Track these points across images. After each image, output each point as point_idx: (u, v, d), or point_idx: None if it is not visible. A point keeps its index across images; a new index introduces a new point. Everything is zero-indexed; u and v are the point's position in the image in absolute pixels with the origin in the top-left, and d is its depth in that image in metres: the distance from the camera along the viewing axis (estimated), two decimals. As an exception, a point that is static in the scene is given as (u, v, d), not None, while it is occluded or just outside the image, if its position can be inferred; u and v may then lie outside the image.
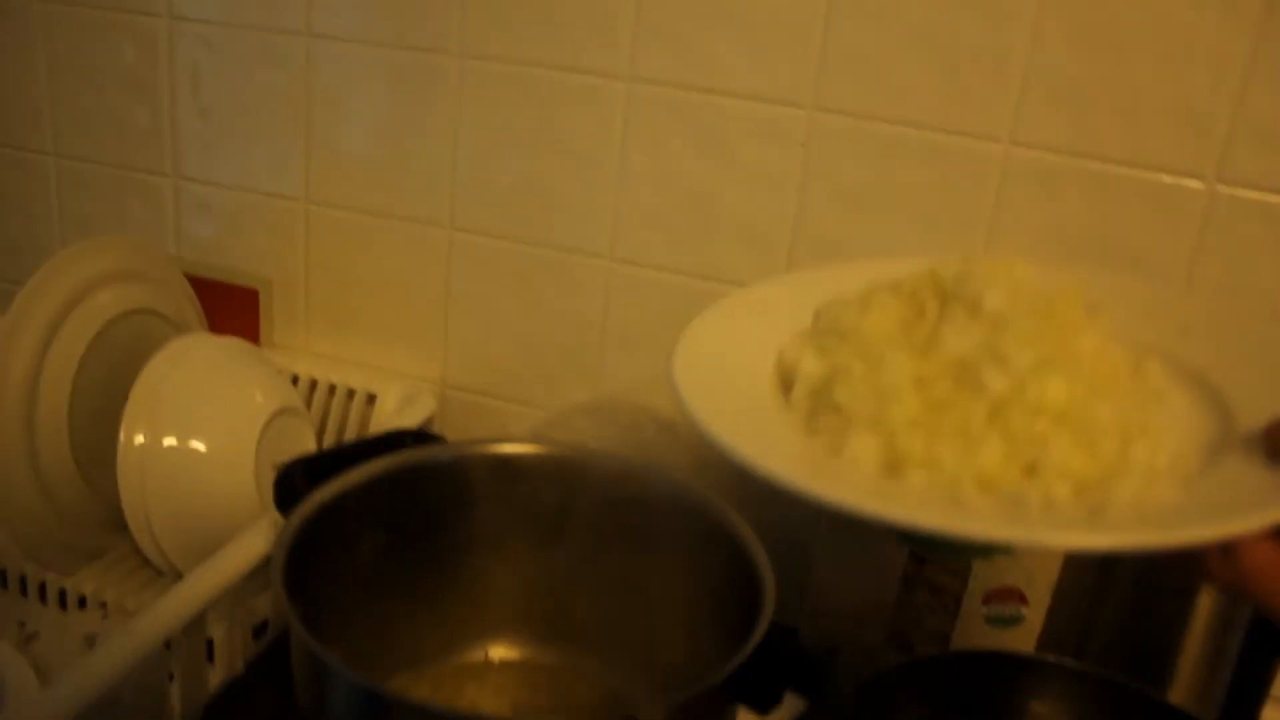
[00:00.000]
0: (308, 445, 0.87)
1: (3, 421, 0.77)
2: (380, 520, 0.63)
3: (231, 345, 0.86)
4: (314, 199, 0.96)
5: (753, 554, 0.58)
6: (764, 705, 0.50)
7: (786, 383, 0.48)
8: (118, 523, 0.82)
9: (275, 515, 0.72)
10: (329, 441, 0.95)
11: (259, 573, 0.71)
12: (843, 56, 0.80)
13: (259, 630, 0.78)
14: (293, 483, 0.59)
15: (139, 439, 0.78)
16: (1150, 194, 0.76)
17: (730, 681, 0.48)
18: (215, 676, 0.74)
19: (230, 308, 0.99)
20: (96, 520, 0.84)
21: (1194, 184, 0.75)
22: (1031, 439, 0.41)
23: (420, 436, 0.69)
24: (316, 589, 0.53)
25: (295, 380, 0.96)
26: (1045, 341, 0.43)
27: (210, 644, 0.72)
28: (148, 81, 0.97)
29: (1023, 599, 0.77)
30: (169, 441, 0.78)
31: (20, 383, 0.77)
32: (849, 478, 0.42)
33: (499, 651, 0.70)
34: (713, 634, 0.55)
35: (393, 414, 0.93)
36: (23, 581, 0.83)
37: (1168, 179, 0.76)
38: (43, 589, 0.83)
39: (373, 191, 0.94)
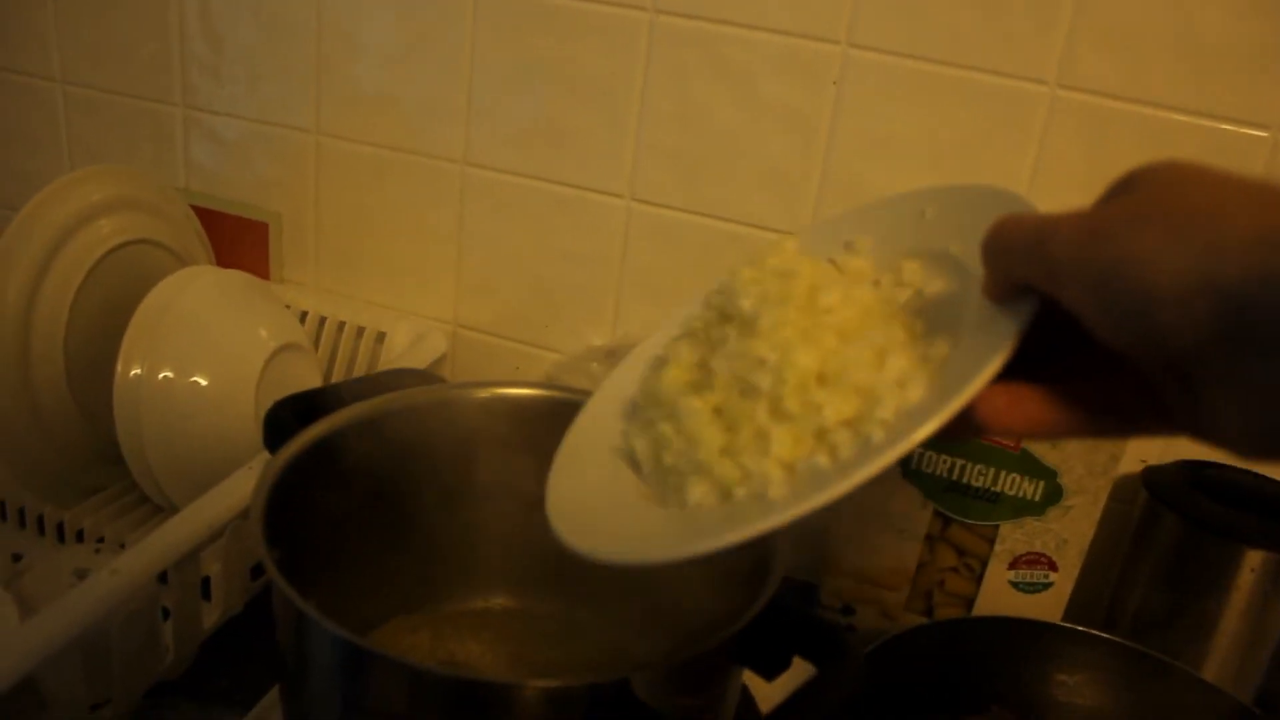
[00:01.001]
0: (313, 383, 0.85)
1: (-4, 347, 0.74)
2: (375, 462, 0.60)
3: (236, 278, 0.83)
4: (325, 131, 0.92)
5: None
6: (770, 671, 0.47)
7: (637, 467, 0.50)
8: (116, 456, 0.80)
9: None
10: (337, 380, 0.93)
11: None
12: None
13: (258, 570, 0.76)
14: (282, 421, 0.57)
15: (135, 371, 0.75)
16: (1211, 143, 0.72)
17: (733, 644, 0.45)
18: (211, 615, 0.72)
19: (239, 241, 0.97)
20: (94, 454, 0.82)
21: (1259, 133, 0.71)
22: (807, 411, 0.43)
23: (422, 376, 0.66)
24: (302, 531, 0.50)
25: (304, 317, 0.93)
26: (789, 320, 0.45)
27: (207, 582, 0.70)
28: (156, 8, 0.94)
29: (1052, 565, 0.74)
30: (166, 374, 0.76)
31: (14, 310, 0.75)
32: (697, 525, 0.44)
33: (497, 601, 0.67)
34: (721, 592, 0.52)
35: (403, 353, 0.90)
36: (21, 513, 0.82)
37: (1228, 127, 0.71)
38: (40, 521, 0.81)
39: (385, 124, 0.90)
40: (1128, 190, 0.36)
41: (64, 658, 0.55)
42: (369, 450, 0.59)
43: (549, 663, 0.63)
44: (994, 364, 0.38)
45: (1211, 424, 0.34)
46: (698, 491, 0.45)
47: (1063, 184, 0.76)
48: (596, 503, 0.48)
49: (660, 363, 0.52)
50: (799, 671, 0.47)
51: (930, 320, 0.46)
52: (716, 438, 0.45)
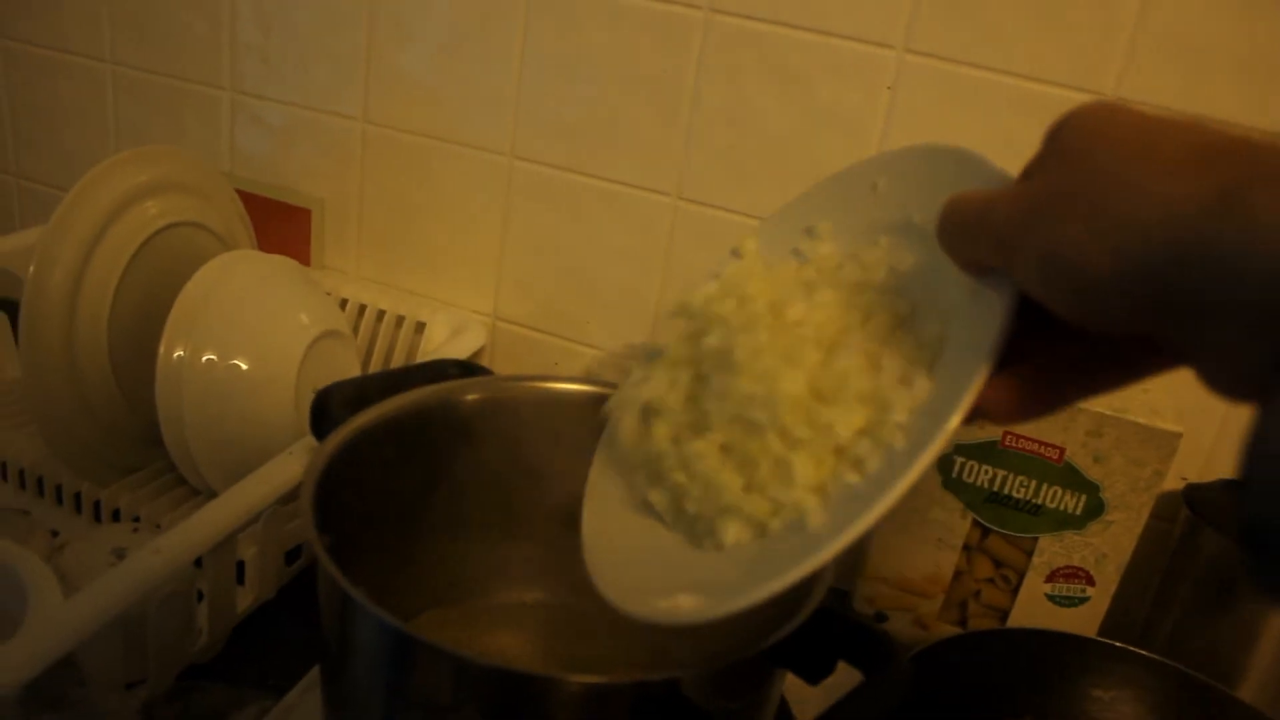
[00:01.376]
0: (352, 370, 0.85)
1: (42, 329, 0.75)
2: (417, 452, 0.60)
3: (279, 264, 0.83)
4: (372, 119, 0.92)
5: None
6: (815, 675, 0.46)
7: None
8: (155, 438, 0.81)
9: (310, 439, 0.70)
10: (375, 368, 0.93)
11: (293, 496, 0.69)
12: None
13: (292, 555, 0.76)
14: (329, 407, 0.57)
15: (178, 353, 0.75)
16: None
17: (780, 648, 0.44)
18: (245, 599, 0.72)
19: (282, 226, 0.97)
20: (134, 434, 0.82)
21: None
22: (817, 432, 0.43)
23: (466, 368, 0.66)
24: (346, 518, 0.50)
25: (344, 304, 0.94)
26: (764, 346, 0.45)
27: (241, 566, 0.70)
28: (209, -11, 0.94)
29: (1089, 580, 0.73)
30: (209, 357, 0.76)
31: (60, 290, 0.75)
32: (750, 565, 0.43)
33: (533, 595, 0.67)
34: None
35: (442, 343, 0.90)
36: (58, 490, 0.82)
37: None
38: (78, 499, 0.81)
39: (433, 114, 0.90)
40: (1054, 148, 0.37)
41: (104, 636, 0.56)
42: (413, 440, 0.59)
43: (584, 659, 0.63)
44: (994, 339, 0.38)
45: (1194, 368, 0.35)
46: (731, 532, 0.44)
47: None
48: (638, 562, 0.48)
49: (649, 412, 0.50)
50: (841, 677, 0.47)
51: (912, 296, 0.45)
52: (734, 479, 0.45)
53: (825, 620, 0.45)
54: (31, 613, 0.54)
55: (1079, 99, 0.72)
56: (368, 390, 0.58)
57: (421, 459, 0.61)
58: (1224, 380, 0.32)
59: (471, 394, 0.63)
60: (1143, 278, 0.31)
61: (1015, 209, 0.36)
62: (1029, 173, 0.39)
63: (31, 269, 0.74)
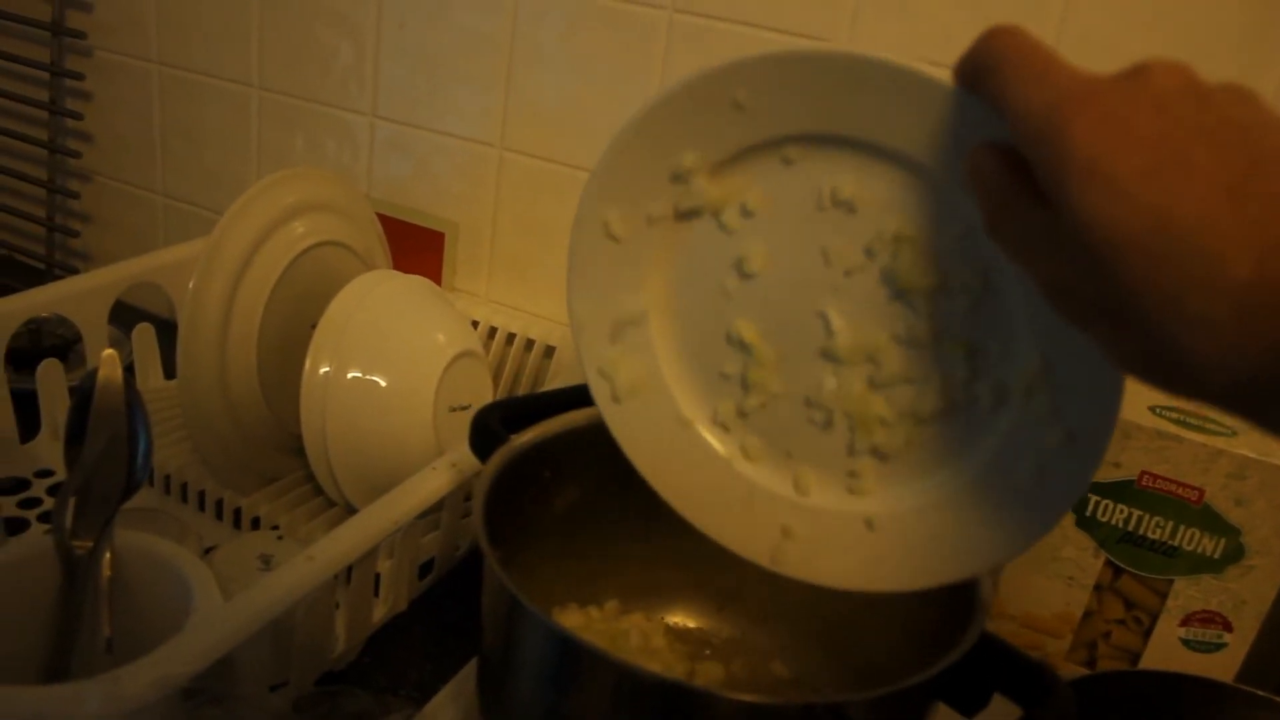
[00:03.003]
0: (485, 390, 0.87)
1: (200, 341, 0.78)
2: (573, 472, 0.61)
3: (418, 284, 0.86)
4: (509, 145, 0.95)
5: None
6: (970, 708, 0.47)
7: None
8: (294, 448, 0.83)
9: (452, 456, 0.72)
10: (504, 390, 0.95)
11: (430, 511, 0.71)
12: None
13: (424, 569, 0.78)
14: (489, 426, 0.58)
15: (324, 369, 0.78)
16: None
17: (940, 678, 0.45)
18: (378, 610, 0.74)
19: (415, 248, 1.00)
20: (274, 444, 0.85)
21: None
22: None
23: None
24: (504, 533, 0.52)
25: (475, 325, 0.96)
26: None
27: (377, 578, 0.72)
28: (356, 18, 0.98)
29: (1227, 625, 0.72)
30: (353, 374, 0.78)
31: (218, 303, 0.79)
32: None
33: (676, 617, 0.68)
34: (911, 626, 0.52)
35: (571, 367, 0.91)
36: (201, 496, 0.85)
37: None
38: (219, 506, 0.84)
39: (569, 142, 0.92)
40: (1211, 98, 0.32)
41: (258, 637, 0.58)
42: (568, 461, 0.61)
43: (725, 681, 0.63)
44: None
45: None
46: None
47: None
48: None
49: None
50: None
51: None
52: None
53: (985, 650, 0.45)
54: (197, 611, 0.56)
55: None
56: (523, 410, 0.60)
57: (575, 479, 0.62)
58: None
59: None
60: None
61: (1147, 123, 0.31)
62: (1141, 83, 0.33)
63: (191, 285, 0.77)
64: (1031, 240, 0.35)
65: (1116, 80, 0.33)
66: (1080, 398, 0.43)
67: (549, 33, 0.90)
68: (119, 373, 0.63)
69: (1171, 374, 0.32)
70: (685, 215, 0.49)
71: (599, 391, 0.52)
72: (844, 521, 0.50)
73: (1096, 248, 0.31)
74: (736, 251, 0.49)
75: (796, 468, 0.51)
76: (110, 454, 0.62)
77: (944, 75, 0.40)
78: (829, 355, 0.49)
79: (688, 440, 0.52)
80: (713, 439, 0.52)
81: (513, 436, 0.58)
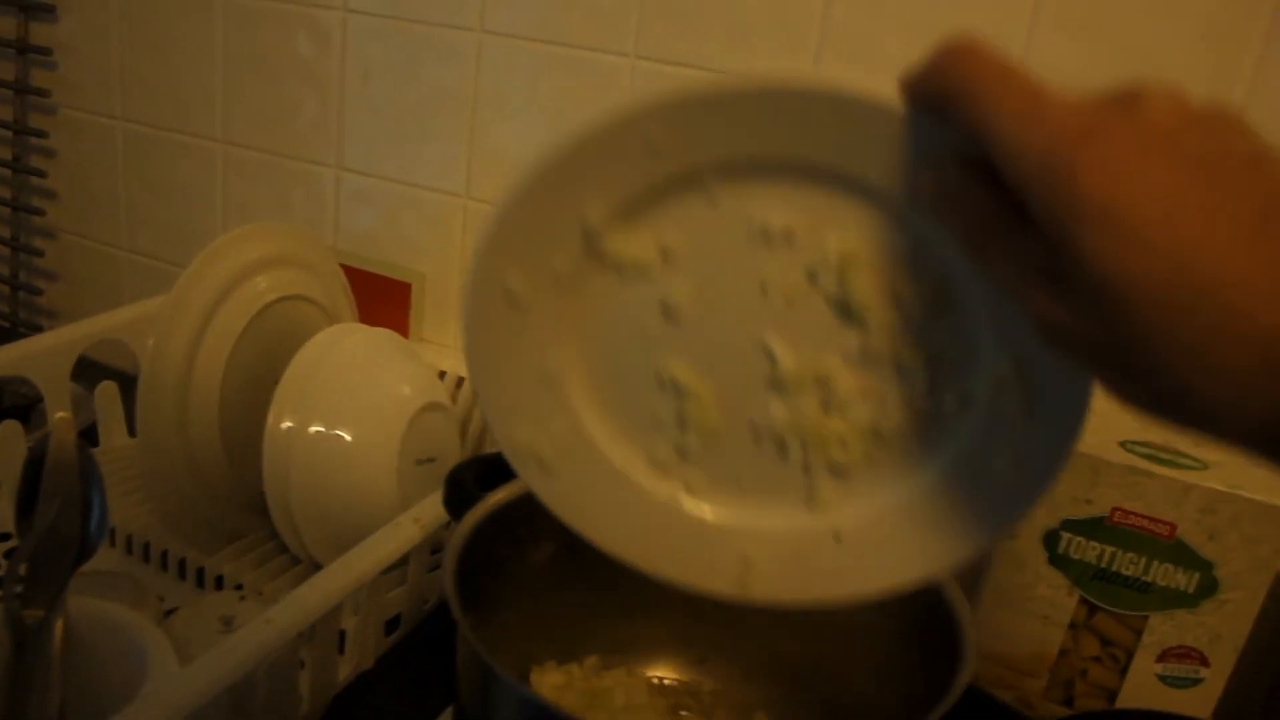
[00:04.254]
0: (452, 442, 0.86)
1: (160, 398, 0.77)
2: (549, 528, 0.60)
3: (383, 337, 0.85)
4: (474, 195, 0.95)
5: (952, 600, 0.56)
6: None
7: None
8: (258, 505, 0.82)
9: (416, 511, 0.71)
10: (471, 440, 0.94)
11: (396, 567, 0.70)
12: (841, 40, 0.78)
13: (390, 625, 0.77)
14: (463, 484, 0.58)
15: (286, 423, 0.77)
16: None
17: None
18: (345, 668, 0.73)
19: (382, 299, 0.99)
20: (238, 502, 0.84)
21: None
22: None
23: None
24: (479, 593, 0.51)
25: (442, 376, 0.95)
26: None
27: (342, 635, 0.71)
28: (320, 73, 0.98)
29: (1203, 661, 0.71)
30: (316, 428, 0.77)
31: (178, 361, 0.78)
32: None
33: (658, 671, 0.67)
34: (895, 674, 0.51)
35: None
36: (164, 556, 0.84)
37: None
38: (182, 566, 0.83)
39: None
40: (1214, 122, 0.31)
41: (216, 703, 0.56)
42: (544, 519, 0.60)
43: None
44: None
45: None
46: None
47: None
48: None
49: None
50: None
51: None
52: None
53: (972, 702, 0.45)
54: (151, 679, 0.55)
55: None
56: (499, 467, 0.59)
57: (549, 536, 0.60)
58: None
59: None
60: None
61: (1161, 159, 0.30)
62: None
63: (151, 342, 0.76)
64: (1024, 270, 0.34)
65: (1113, 113, 0.31)
66: (1053, 390, 0.41)
67: (513, 82, 0.90)
68: (72, 436, 0.62)
69: (1186, 416, 0.31)
70: (597, 268, 0.45)
71: (523, 469, 0.49)
72: (807, 539, 0.48)
73: (1111, 299, 0.30)
74: (659, 295, 0.45)
75: (748, 496, 0.49)
76: (64, 520, 0.61)
77: (881, 92, 0.38)
78: (775, 385, 0.46)
79: (628, 492, 0.49)
80: (653, 485, 0.49)
81: (487, 494, 0.57)
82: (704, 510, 0.49)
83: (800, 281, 0.44)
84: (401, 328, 0.99)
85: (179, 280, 0.77)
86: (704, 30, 0.83)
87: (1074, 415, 0.41)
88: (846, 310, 0.44)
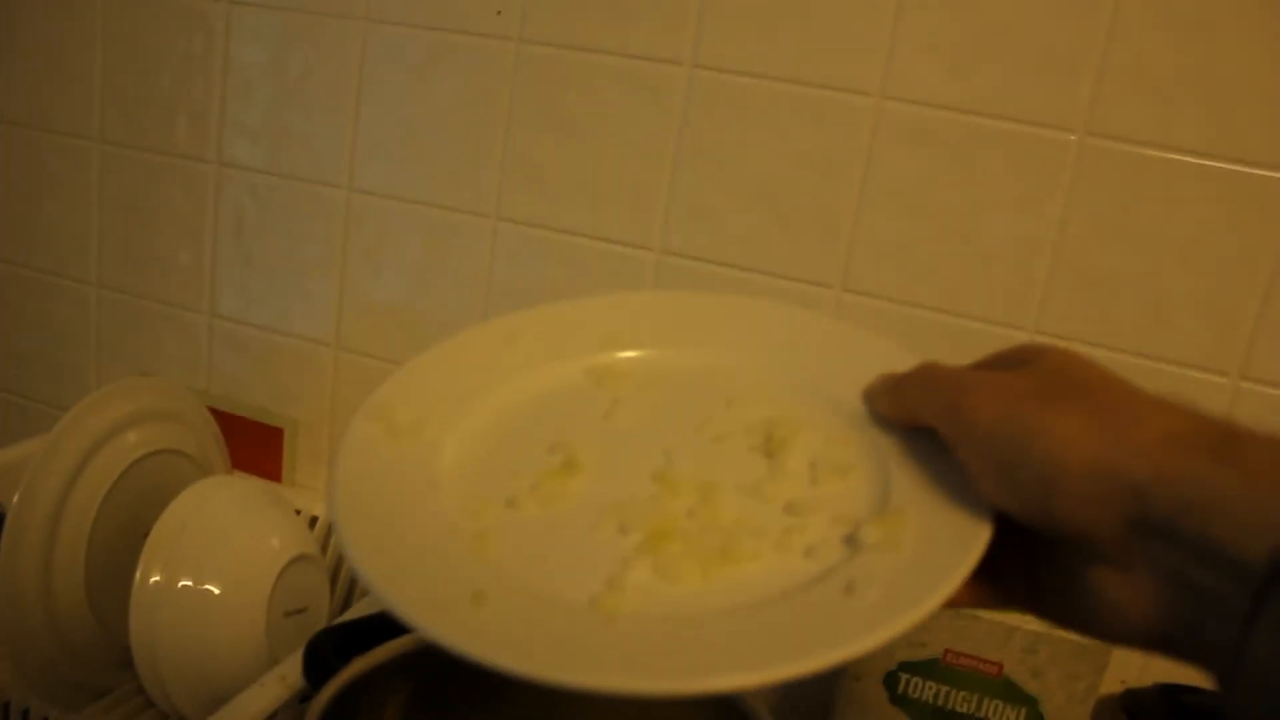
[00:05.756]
0: (321, 592, 0.88)
1: (23, 553, 0.77)
2: (406, 692, 0.61)
3: (253, 488, 0.87)
4: (344, 345, 0.98)
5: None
6: None
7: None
8: (125, 661, 0.82)
9: (282, 669, 0.73)
10: (341, 587, 0.95)
11: (264, 722, 0.71)
12: (870, 243, 0.82)
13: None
14: (321, 654, 0.59)
15: (155, 578, 0.78)
16: (1174, 384, 0.77)
17: None
18: (212, 827, 0.73)
19: (255, 444, 1.01)
20: (104, 659, 0.84)
21: (1219, 379, 0.77)
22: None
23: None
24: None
25: (313, 522, 0.97)
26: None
27: (210, 794, 0.72)
28: (193, 223, 1.00)
29: (1035, 784, 0.76)
30: (184, 583, 0.78)
31: (44, 516, 0.79)
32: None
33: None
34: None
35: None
36: (24, 715, 0.83)
37: (1195, 374, 0.77)
38: (45, 725, 0.82)
39: (401, 340, 0.96)
40: (1044, 363, 0.40)
41: None
42: (406, 684, 0.61)
43: None
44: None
45: (1085, 606, 0.38)
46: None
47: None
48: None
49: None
50: None
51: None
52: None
53: None
54: None
55: (1009, 335, 0.78)
56: (356, 635, 0.61)
57: (416, 705, 0.62)
58: (1134, 616, 0.36)
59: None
60: (1121, 485, 0.34)
61: (998, 396, 0.39)
62: (1004, 376, 0.40)
63: (15, 499, 0.77)
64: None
65: (985, 375, 0.42)
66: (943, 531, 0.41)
67: (380, 238, 0.94)
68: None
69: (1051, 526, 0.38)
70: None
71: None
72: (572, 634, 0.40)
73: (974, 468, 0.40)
74: (612, 401, 0.52)
75: (545, 575, 0.42)
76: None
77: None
78: (657, 478, 0.46)
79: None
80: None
81: (346, 663, 0.58)
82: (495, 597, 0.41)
83: (736, 432, 0.49)
84: (275, 472, 1.01)
85: (46, 437, 0.78)
86: (561, 195, 0.88)
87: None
88: (766, 452, 0.48)
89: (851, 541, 0.42)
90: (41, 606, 0.79)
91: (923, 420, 0.43)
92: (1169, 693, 0.80)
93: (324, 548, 0.95)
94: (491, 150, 0.89)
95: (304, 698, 0.80)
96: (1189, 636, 0.35)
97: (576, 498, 0.46)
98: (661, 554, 0.43)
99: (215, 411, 0.97)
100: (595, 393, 0.52)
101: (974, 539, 0.39)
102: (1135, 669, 0.83)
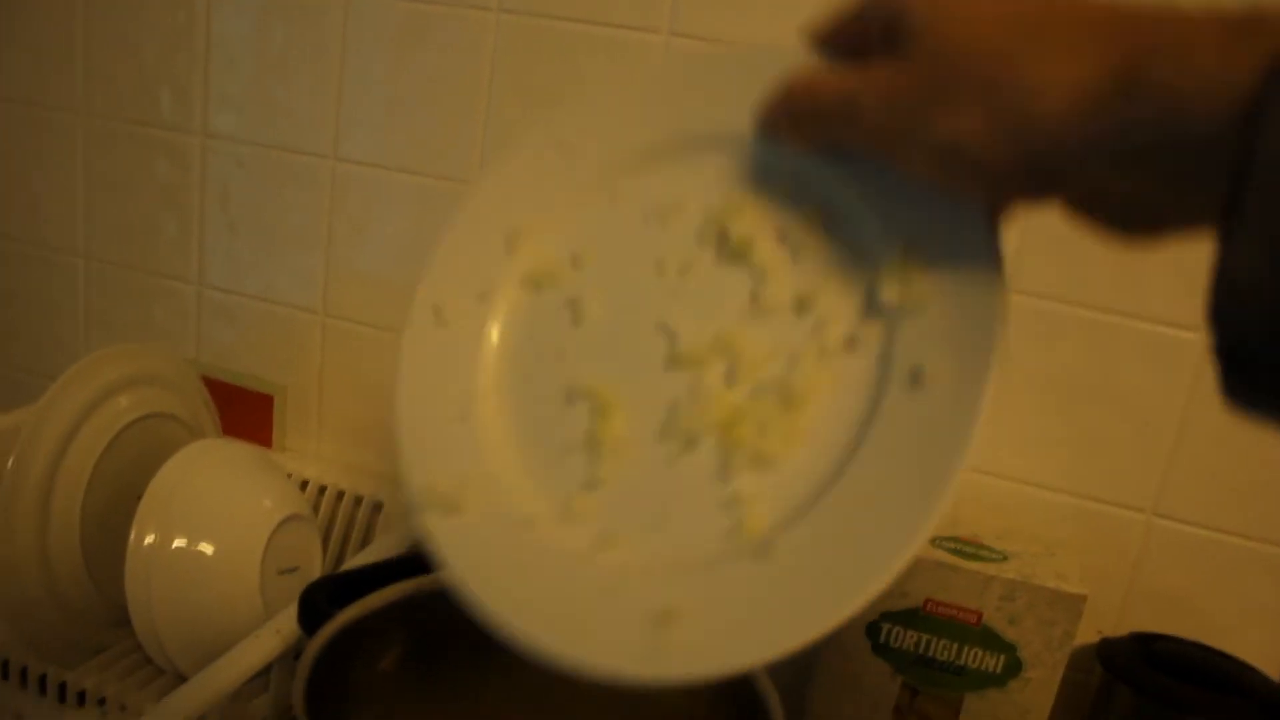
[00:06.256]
0: (314, 552, 0.89)
1: (18, 517, 0.79)
2: (401, 641, 0.63)
3: (244, 451, 0.88)
4: (330, 312, 0.99)
5: (758, 683, 0.59)
6: None
7: None
8: (121, 619, 0.84)
9: (277, 622, 0.74)
10: (334, 546, 0.97)
11: (258, 677, 0.72)
12: None
13: (255, 732, 0.79)
14: (316, 603, 0.60)
15: (149, 539, 0.79)
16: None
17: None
18: (209, 779, 0.74)
19: (245, 411, 1.02)
20: (100, 617, 0.85)
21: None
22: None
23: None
24: (335, 710, 0.53)
25: (304, 485, 0.98)
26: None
27: (207, 746, 0.73)
28: (180, 194, 1.01)
29: (1013, 735, 0.78)
30: (178, 543, 0.80)
31: (38, 480, 0.80)
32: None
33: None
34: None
35: (398, 521, 0.94)
36: (23, 673, 0.84)
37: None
38: (42, 681, 0.83)
39: (387, 307, 0.97)
40: (909, 32, 0.35)
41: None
42: (397, 630, 0.63)
43: None
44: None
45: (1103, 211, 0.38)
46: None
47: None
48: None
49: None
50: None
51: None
52: None
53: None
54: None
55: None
56: (350, 584, 0.62)
57: (403, 648, 0.63)
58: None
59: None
60: (1054, 168, 0.33)
61: (892, 99, 0.35)
62: (873, 58, 0.37)
63: (10, 463, 0.78)
64: (897, 106, 0.36)
65: None
66: (951, 259, 0.40)
67: (366, 207, 0.95)
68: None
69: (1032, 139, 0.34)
70: (514, 284, 0.49)
71: (426, 519, 0.46)
72: (732, 571, 0.41)
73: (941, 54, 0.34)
74: (569, 297, 0.48)
75: (664, 529, 0.43)
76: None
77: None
78: (676, 363, 0.45)
79: (533, 548, 0.45)
80: (562, 535, 0.45)
81: (339, 611, 0.60)
82: (617, 556, 0.44)
83: (691, 247, 0.47)
84: (265, 437, 1.02)
85: (39, 402, 0.79)
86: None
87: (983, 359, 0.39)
88: (735, 256, 0.46)
89: (874, 309, 0.42)
90: (38, 569, 0.81)
91: (840, 144, 0.40)
92: (1142, 641, 0.82)
93: (316, 509, 0.96)
94: (473, 119, 0.90)
95: (298, 652, 0.82)
96: (1199, 189, 0.32)
97: (631, 442, 0.45)
98: (744, 446, 0.43)
99: (206, 380, 0.99)
100: (548, 304, 0.49)
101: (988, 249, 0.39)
102: (1111, 619, 0.85)
